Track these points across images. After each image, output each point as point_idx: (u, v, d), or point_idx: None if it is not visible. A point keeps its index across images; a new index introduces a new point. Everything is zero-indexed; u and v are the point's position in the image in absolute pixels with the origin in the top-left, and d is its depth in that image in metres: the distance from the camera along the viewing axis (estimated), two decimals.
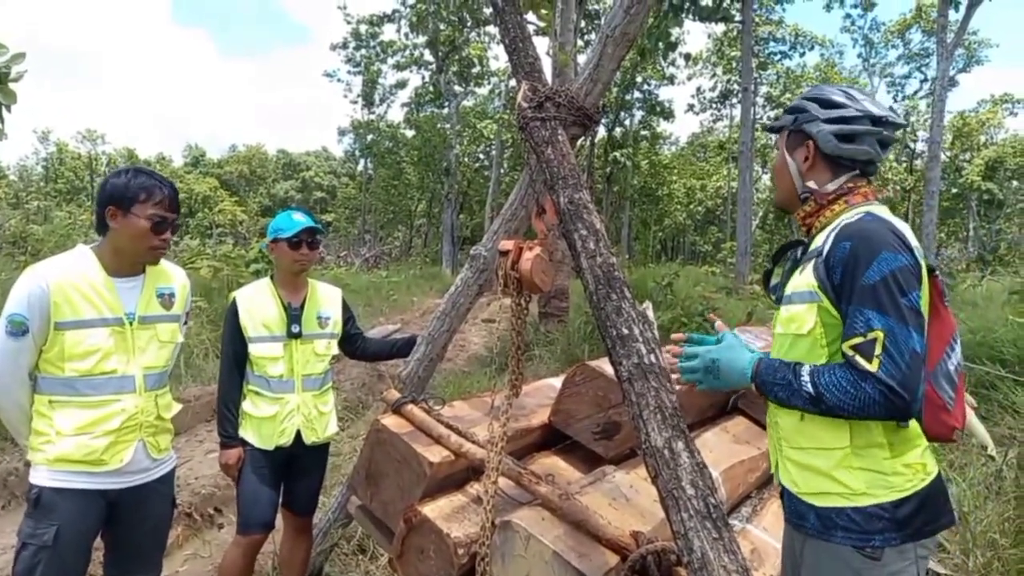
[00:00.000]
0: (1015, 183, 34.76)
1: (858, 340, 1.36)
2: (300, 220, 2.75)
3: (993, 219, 33.72)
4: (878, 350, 1.34)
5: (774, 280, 1.78)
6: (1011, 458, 3.80)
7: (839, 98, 1.58)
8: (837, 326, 1.46)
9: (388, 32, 32.42)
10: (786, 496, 1.61)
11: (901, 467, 1.46)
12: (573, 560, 1.75)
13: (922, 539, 1.45)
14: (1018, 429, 4.27)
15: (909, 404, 1.33)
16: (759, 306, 9.29)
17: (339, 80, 37.15)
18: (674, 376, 1.65)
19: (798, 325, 1.52)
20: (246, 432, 2.71)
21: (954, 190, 35.33)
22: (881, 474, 1.45)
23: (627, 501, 2.12)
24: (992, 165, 34.17)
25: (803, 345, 1.51)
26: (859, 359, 1.36)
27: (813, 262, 1.51)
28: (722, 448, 2.66)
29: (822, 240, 1.52)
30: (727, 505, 2.41)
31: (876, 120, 1.55)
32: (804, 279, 1.53)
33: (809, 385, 1.39)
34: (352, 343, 3.06)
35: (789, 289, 1.60)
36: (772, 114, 34.58)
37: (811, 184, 1.60)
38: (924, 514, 1.45)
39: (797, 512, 1.55)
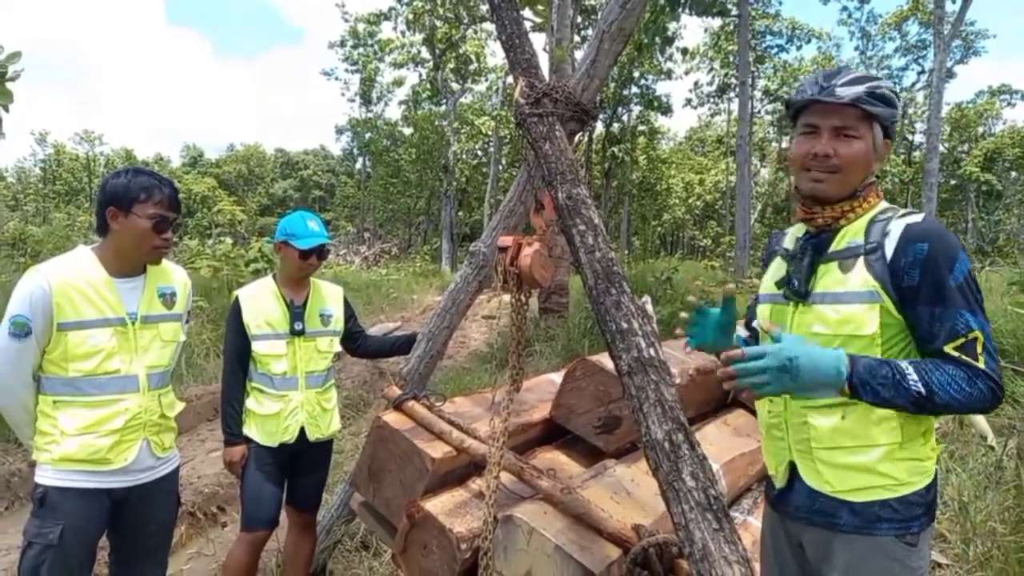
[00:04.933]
0: (1014, 174, 34.76)
1: (961, 341, 1.39)
2: (315, 232, 2.77)
3: (992, 210, 33.73)
4: (979, 349, 1.38)
5: (779, 275, 1.66)
6: (1011, 448, 3.81)
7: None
8: (894, 326, 1.46)
9: (385, 30, 32.35)
10: (802, 496, 1.56)
11: (930, 451, 1.51)
12: (575, 553, 1.76)
13: (933, 520, 1.51)
14: (1018, 419, 4.29)
15: (1002, 396, 1.40)
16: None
17: (337, 78, 37.17)
18: (728, 383, 1.41)
19: (856, 326, 1.47)
20: (250, 429, 2.72)
21: (952, 181, 35.31)
22: (919, 461, 1.48)
23: (628, 494, 2.13)
24: (990, 156, 34.17)
25: (856, 346, 1.46)
26: (967, 359, 1.38)
27: (863, 260, 1.48)
28: (723, 441, 2.67)
29: (860, 236, 1.50)
30: (728, 497, 2.42)
31: None
32: (858, 278, 1.47)
33: (920, 385, 1.36)
34: (353, 341, 3.07)
35: (836, 287, 1.51)
36: (770, 107, 34.56)
37: (874, 176, 1.58)
38: (936, 494, 1.52)
39: (823, 511, 1.52)
